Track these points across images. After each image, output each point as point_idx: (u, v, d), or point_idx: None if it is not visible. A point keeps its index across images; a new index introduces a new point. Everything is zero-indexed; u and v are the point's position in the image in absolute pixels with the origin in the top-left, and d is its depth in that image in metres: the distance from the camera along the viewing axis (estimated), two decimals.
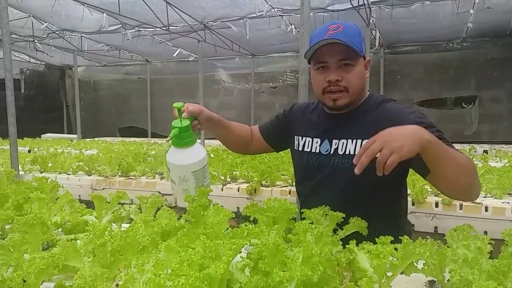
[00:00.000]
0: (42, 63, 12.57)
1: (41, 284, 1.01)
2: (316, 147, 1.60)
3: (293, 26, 7.84)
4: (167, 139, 1.35)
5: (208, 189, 1.40)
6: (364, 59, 1.50)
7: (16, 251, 1.10)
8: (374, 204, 1.49)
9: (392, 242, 1.05)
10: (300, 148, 1.66)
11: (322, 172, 1.57)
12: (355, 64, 1.45)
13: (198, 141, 1.46)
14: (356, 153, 1.44)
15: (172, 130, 1.35)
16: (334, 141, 1.55)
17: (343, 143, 1.53)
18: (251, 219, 1.36)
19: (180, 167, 1.38)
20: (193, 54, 10.27)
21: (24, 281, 0.93)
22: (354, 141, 1.50)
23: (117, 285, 1.04)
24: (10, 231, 1.46)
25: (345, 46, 1.40)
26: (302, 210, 1.35)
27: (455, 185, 1.25)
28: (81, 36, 9.05)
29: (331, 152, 1.55)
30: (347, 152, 1.51)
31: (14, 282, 0.88)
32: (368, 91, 1.63)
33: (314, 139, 1.61)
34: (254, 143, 1.82)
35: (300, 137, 1.67)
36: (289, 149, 1.82)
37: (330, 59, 1.45)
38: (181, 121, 1.36)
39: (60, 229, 1.52)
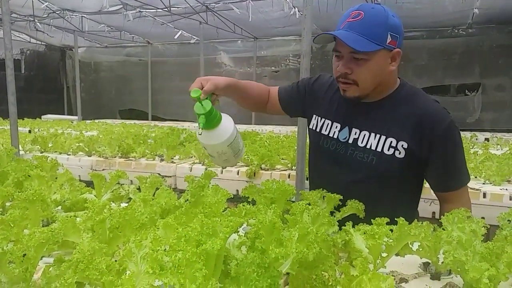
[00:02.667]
0: (42, 43, 12.46)
1: (41, 259, 1.02)
2: (334, 132, 1.54)
3: (296, 9, 7.73)
4: (199, 132, 1.34)
5: (211, 172, 1.47)
6: (391, 50, 1.39)
7: (16, 227, 1.12)
8: (386, 200, 1.47)
9: None
10: (318, 129, 1.60)
11: (337, 160, 1.53)
12: (369, 58, 1.36)
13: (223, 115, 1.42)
14: (377, 149, 1.43)
15: (199, 118, 1.33)
16: (354, 130, 1.49)
17: (365, 135, 1.47)
18: (250, 200, 1.38)
19: (216, 145, 1.41)
20: (194, 36, 10.18)
21: (24, 255, 0.95)
22: (378, 136, 1.45)
23: (115, 261, 1.05)
24: (10, 207, 1.48)
25: (360, 38, 1.32)
26: (300, 192, 1.37)
27: None
28: (81, 16, 8.95)
29: (350, 141, 1.50)
30: (368, 146, 1.46)
31: (14, 255, 0.90)
32: (399, 78, 1.54)
33: (334, 123, 1.55)
34: (271, 104, 1.75)
35: (319, 118, 1.61)
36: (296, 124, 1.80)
37: (342, 49, 1.39)
38: (202, 105, 1.34)
39: (59, 207, 1.54)
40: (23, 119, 8.32)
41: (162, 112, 12.38)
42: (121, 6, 8.11)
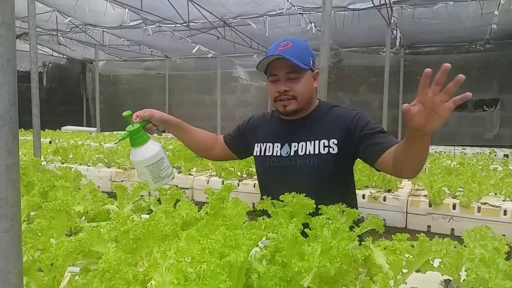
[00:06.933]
0: (64, 56, 12.82)
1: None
2: (277, 150, 1.79)
3: (312, 24, 7.81)
4: (115, 141, 1.52)
5: (231, 185, 1.54)
6: (313, 71, 1.71)
7: (43, 236, 1.16)
8: (331, 190, 1.69)
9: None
10: (262, 153, 1.84)
11: (284, 172, 1.76)
12: (301, 77, 1.66)
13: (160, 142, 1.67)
14: (315, 151, 1.70)
15: (122, 133, 1.61)
16: (294, 144, 1.75)
17: (303, 145, 1.73)
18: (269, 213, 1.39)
19: (136, 163, 1.61)
20: (212, 51, 10.33)
21: (51, 264, 0.98)
22: (313, 142, 1.72)
23: (138, 271, 1.08)
24: (36, 217, 1.52)
25: (291, 61, 1.60)
26: (319, 206, 1.37)
27: (418, 165, 1.41)
28: (103, 30, 9.20)
29: (292, 154, 1.75)
30: (307, 153, 1.72)
31: (43, 264, 0.93)
32: (318, 99, 1.86)
33: (275, 143, 1.80)
34: (218, 149, 2.02)
35: (261, 144, 1.85)
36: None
37: (279, 72, 1.67)
38: (132, 125, 1.61)
39: (83, 217, 1.57)
40: (44, 130, 8.52)
41: None
42: (141, 21, 8.32)
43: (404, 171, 1.50)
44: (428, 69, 1.10)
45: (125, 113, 1.63)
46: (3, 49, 0.71)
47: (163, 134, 1.95)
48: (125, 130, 1.61)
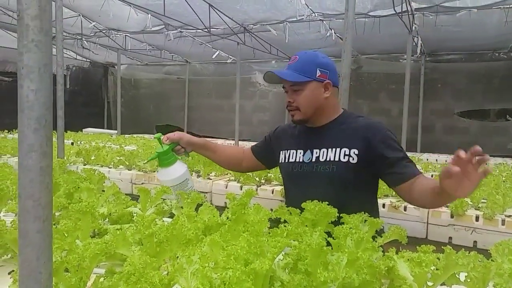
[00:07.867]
0: (87, 60, 13.10)
1: None
2: (299, 157, 1.83)
3: (332, 31, 7.78)
4: (144, 161, 1.73)
5: (252, 191, 1.57)
6: (322, 82, 1.75)
7: (69, 237, 1.18)
8: (350, 198, 1.69)
9: None
10: (286, 160, 1.89)
11: (306, 178, 1.81)
12: (303, 88, 1.74)
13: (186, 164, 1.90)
14: (335, 159, 1.76)
15: (153, 154, 1.79)
16: (315, 151, 1.80)
17: (324, 151, 1.77)
18: (282, 220, 1.40)
19: (162, 182, 1.78)
20: (231, 56, 10.39)
21: (77, 265, 1.00)
22: (334, 149, 1.75)
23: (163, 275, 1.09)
24: (61, 217, 1.55)
25: (294, 73, 1.72)
26: (341, 215, 1.37)
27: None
28: (125, 35, 9.36)
29: (313, 160, 1.79)
30: (328, 159, 1.75)
31: (71, 265, 0.95)
32: (343, 108, 1.90)
33: (298, 150, 1.85)
34: (247, 162, 2.13)
35: (285, 151, 1.91)
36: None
37: (285, 84, 1.79)
38: (162, 147, 1.78)
39: (106, 219, 1.60)
40: (66, 132, 8.68)
41: (197, 129, 12.60)
42: (163, 26, 8.43)
43: (426, 207, 1.84)
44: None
45: (156, 135, 1.78)
46: (41, 54, 0.74)
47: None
48: (155, 151, 1.78)
